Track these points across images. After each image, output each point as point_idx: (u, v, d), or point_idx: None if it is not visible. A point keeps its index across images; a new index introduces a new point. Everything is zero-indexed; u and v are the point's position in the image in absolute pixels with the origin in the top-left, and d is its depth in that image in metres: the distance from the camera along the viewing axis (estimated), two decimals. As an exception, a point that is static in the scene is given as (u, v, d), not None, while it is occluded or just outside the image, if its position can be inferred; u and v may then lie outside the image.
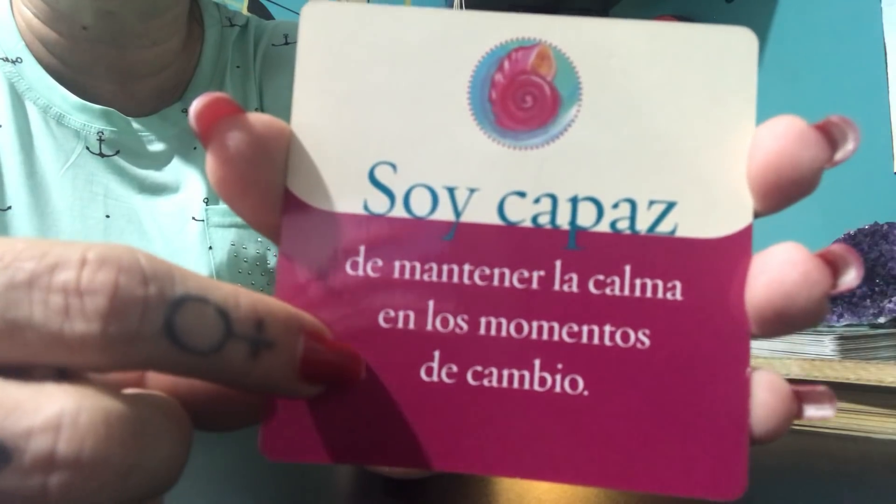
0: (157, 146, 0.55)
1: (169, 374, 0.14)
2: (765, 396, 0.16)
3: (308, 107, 0.17)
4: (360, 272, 0.17)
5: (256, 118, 0.16)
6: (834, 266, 0.15)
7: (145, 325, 0.13)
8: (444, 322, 0.17)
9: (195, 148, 0.56)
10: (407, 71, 0.17)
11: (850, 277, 0.16)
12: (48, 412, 0.12)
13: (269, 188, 0.16)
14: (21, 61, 0.52)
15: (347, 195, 0.17)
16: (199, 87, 0.58)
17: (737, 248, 0.17)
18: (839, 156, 0.17)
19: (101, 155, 0.53)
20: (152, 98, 0.56)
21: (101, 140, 0.53)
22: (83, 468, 0.12)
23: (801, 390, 0.16)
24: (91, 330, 0.12)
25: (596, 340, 0.16)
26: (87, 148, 0.52)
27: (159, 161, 0.55)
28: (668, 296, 0.17)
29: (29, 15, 0.52)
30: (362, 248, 0.17)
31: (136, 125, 0.54)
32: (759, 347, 0.80)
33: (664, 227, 0.17)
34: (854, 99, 1.22)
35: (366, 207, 0.17)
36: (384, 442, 0.16)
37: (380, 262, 0.17)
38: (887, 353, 0.70)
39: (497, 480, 0.30)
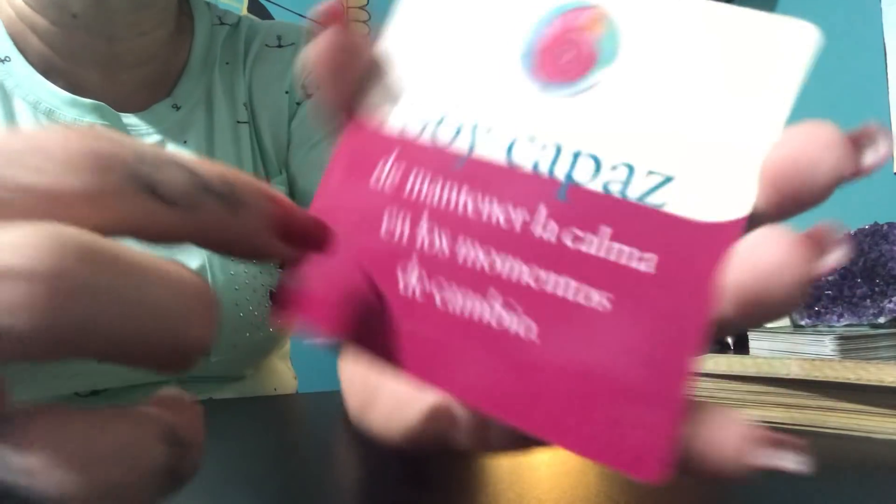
0: (147, 140, 0.55)
1: (160, 231, 0.15)
2: (716, 437, 0.15)
3: (394, 34, 0.22)
4: (382, 177, 0.20)
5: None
6: (817, 246, 0.15)
7: (125, 179, 0.14)
8: (430, 232, 0.18)
9: (185, 142, 0.57)
10: (483, 16, 0.20)
11: (836, 255, 0.15)
12: (12, 233, 0.12)
13: (350, 84, 0.20)
14: (9, 60, 0.52)
15: (395, 114, 0.20)
16: (187, 83, 0.59)
17: (724, 237, 0.16)
18: (869, 160, 0.16)
19: None
20: (141, 91, 0.56)
21: None
22: (43, 277, 0.12)
23: (768, 439, 0.16)
24: (76, 183, 0.13)
25: (558, 291, 0.17)
26: None
27: None
28: (641, 266, 0.16)
29: (19, 2, 0.52)
30: (391, 160, 0.20)
31: (126, 120, 0.55)
32: (759, 347, 0.80)
33: (655, 199, 0.16)
34: (854, 99, 1.22)
35: (404, 128, 0.20)
36: (360, 326, 0.19)
37: (399, 171, 0.20)
38: (887, 353, 0.70)
39: (497, 481, 0.30)
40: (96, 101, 0.53)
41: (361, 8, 2.18)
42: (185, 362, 0.14)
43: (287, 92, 0.64)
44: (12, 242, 0.12)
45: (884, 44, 1.15)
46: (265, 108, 0.63)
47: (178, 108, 0.58)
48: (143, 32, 0.55)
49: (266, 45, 0.64)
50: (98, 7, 0.51)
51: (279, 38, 0.65)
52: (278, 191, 0.18)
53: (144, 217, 0.14)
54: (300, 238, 0.18)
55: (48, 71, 0.53)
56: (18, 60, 0.52)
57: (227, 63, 0.62)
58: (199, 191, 0.15)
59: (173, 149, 0.56)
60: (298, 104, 0.65)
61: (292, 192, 0.66)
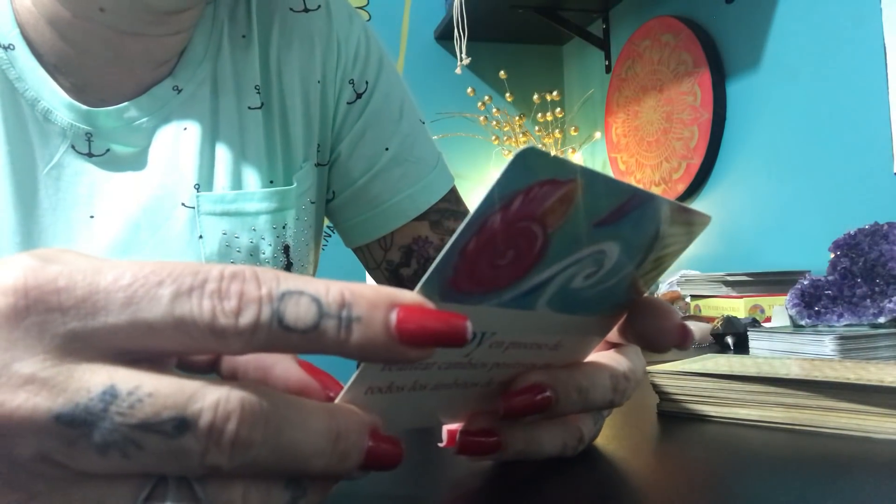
0: (146, 134, 0.52)
1: (285, 353, 0.19)
2: None
3: None
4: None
5: None
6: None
7: (262, 315, 0.18)
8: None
9: (185, 129, 0.53)
10: None
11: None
12: (212, 397, 0.17)
13: None
14: (13, 48, 0.49)
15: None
16: (190, 60, 0.54)
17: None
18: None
19: (90, 155, 0.51)
20: (142, 73, 0.53)
21: (89, 140, 0.51)
22: (228, 436, 0.17)
23: None
24: (230, 322, 0.18)
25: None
26: (73, 146, 0.50)
27: (148, 147, 0.52)
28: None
29: None
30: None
31: (127, 114, 0.51)
32: (759, 347, 0.80)
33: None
34: (854, 99, 1.22)
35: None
36: None
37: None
38: (887, 353, 0.70)
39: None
40: (92, 109, 0.50)
41: (361, 8, 2.18)
42: (314, 481, 0.20)
43: (319, 82, 0.59)
44: (213, 405, 0.17)
45: (884, 44, 1.15)
46: (295, 93, 0.58)
47: (179, 90, 0.54)
48: (178, 31, 0.51)
49: (291, 9, 0.58)
50: (132, 4, 0.47)
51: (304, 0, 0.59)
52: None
53: (276, 343, 0.18)
54: (431, 341, 0.19)
55: (57, 63, 0.50)
56: (23, 50, 0.49)
57: (243, 37, 0.56)
58: (317, 317, 0.18)
59: (172, 135, 0.53)
60: (350, 103, 0.61)
61: (330, 185, 0.62)
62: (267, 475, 0.19)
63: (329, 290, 0.18)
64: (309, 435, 0.19)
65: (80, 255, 0.19)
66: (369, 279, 0.70)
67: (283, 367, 0.25)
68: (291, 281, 0.18)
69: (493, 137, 2.10)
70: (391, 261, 0.64)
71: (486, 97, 2.06)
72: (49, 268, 0.18)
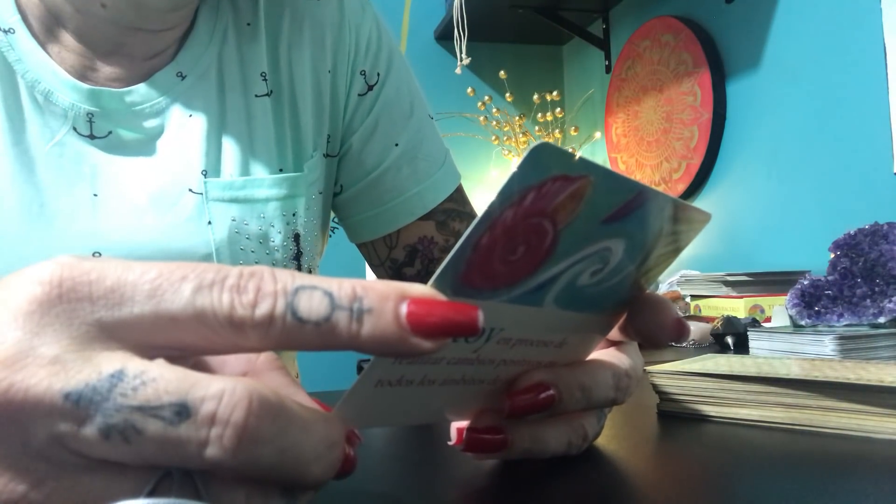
0: (150, 120, 0.52)
1: (301, 348, 0.19)
2: None
3: None
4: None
5: None
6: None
7: (277, 307, 0.18)
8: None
9: (191, 115, 0.53)
10: None
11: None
12: (217, 386, 0.17)
13: None
14: (13, 32, 0.49)
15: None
16: (193, 48, 0.55)
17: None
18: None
19: (92, 137, 0.51)
20: (146, 66, 0.53)
21: (91, 122, 0.50)
22: (233, 427, 0.17)
23: None
24: (247, 314, 0.18)
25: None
26: (75, 128, 0.50)
27: (153, 133, 0.52)
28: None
29: None
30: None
31: (128, 98, 0.51)
32: (759, 347, 0.80)
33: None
34: (854, 99, 1.22)
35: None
36: None
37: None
38: (887, 353, 0.70)
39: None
40: (95, 87, 0.50)
41: (361, 8, 2.18)
42: (304, 490, 0.20)
43: (330, 71, 0.58)
44: (217, 395, 0.17)
45: (884, 44, 1.15)
46: (305, 82, 0.58)
47: (183, 76, 0.54)
48: (173, 27, 0.52)
49: None
50: (130, 3, 0.48)
51: None
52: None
53: (290, 335, 0.19)
54: (442, 330, 0.19)
55: (59, 51, 0.50)
56: (23, 34, 0.49)
57: (247, 24, 0.56)
58: (330, 308, 0.19)
59: (177, 122, 0.53)
60: (361, 95, 0.60)
61: (338, 178, 0.62)
62: (266, 482, 0.19)
63: (341, 285, 0.19)
64: (312, 438, 0.19)
65: (115, 259, 0.20)
66: (370, 274, 0.70)
67: (292, 393, 0.25)
68: (305, 278, 0.19)
69: (493, 137, 2.10)
70: (395, 259, 0.64)
71: (486, 97, 2.06)
72: (84, 263, 0.19)
